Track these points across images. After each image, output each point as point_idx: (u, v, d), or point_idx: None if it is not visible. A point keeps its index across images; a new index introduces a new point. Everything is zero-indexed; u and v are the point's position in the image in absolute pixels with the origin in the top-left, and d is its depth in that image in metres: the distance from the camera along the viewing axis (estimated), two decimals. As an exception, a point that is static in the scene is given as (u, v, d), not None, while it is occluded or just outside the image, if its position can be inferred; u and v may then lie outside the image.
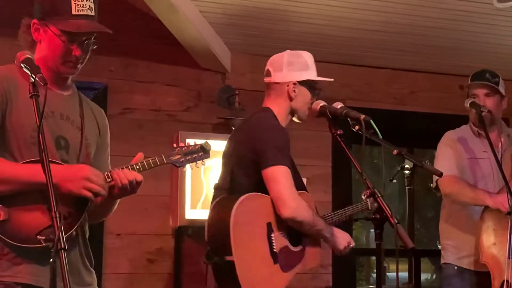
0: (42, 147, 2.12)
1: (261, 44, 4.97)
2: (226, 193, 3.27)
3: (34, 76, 2.20)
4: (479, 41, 4.86)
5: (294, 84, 3.38)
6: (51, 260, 2.00)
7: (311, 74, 3.44)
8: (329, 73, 5.31)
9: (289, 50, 3.47)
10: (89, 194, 2.39)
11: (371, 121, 2.65)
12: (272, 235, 3.21)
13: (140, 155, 2.57)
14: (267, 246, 3.19)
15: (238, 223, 3.08)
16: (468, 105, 3.94)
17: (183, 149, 2.62)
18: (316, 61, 5.24)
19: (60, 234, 2.00)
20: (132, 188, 2.51)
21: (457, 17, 4.40)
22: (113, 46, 4.64)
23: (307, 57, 3.47)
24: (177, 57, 4.84)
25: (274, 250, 3.20)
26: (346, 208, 3.64)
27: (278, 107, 3.39)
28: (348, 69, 5.42)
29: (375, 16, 4.41)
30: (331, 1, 4.18)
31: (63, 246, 1.99)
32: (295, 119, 3.46)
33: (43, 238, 2.13)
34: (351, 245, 3.47)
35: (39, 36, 2.50)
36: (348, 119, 2.75)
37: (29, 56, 2.29)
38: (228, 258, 3.05)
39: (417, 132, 5.41)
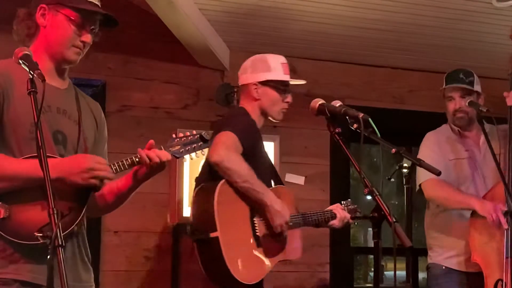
0: (40, 144, 2.11)
1: (260, 41, 4.96)
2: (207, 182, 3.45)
3: (32, 73, 2.19)
4: (479, 40, 4.86)
5: (255, 84, 3.60)
6: (48, 257, 2.00)
7: (274, 75, 3.62)
8: (329, 72, 5.37)
9: (257, 55, 3.73)
10: (97, 183, 2.40)
11: (370, 119, 2.64)
12: (255, 219, 3.40)
13: (152, 141, 2.56)
14: (250, 228, 3.38)
15: (221, 201, 3.26)
16: (467, 104, 3.95)
17: (182, 139, 2.58)
18: (315, 59, 5.30)
19: (58, 231, 1.99)
20: (160, 166, 2.52)
21: (456, 16, 4.40)
22: (111, 44, 4.63)
23: (272, 59, 3.67)
24: (176, 55, 4.83)
25: (257, 234, 3.38)
26: (311, 213, 3.69)
27: (249, 107, 3.62)
28: (347, 67, 5.43)
29: (375, 15, 4.41)
30: (330, 0, 4.17)
31: (60, 243, 1.98)
32: (270, 118, 3.67)
33: (40, 235, 2.12)
34: (288, 226, 3.46)
35: (45, 21, 2.51)
36: (347, 117, 2.74)
37: (27, 52, 2.28)
38: (212, 234, 3.20)
39: (416, 131, 5.37)
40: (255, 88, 3.61)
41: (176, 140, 2.59)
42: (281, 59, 3.70)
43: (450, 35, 4.77)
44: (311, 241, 5.05)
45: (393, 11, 4.33)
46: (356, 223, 3.96)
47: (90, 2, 2.53)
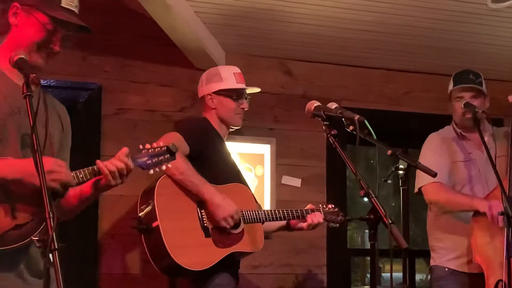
0: (36, 148, 2.11)
1: (256, 44, 4.97)
2: None
3: (28, 77, 2.19)
4: (474, 42, 4.86)
5: (210, 95, 3.86)
6: (44, 261, 1.99)
7: (225, 84, 3.86)
8: (324, 73, 5.38)
9: (212, 68, 4.04)
10: (57, 186, 2.31)
11: (366, 121, 2.65)
12: (203, 211, 3.51)
13: (125, 149, 2.53)
14: (197, 219, 3.49)
15: (162, 193, 3.43)
16: (462, 105, 3.96)
17: (150, 151, 2.58)
18: (310, 61, 5.31)
19: (53, 234, 1.99)
20: (121, 177, 2.48)
21: (451, 18, 4.41)
22: (107, 47, 4.63)
23: (224, 70, 3.97)
24: (172, 58, 4.83)
25: (205, 225, 3.49)
26: (280, 210, 3.83)
27: (209, 117, 3.85)
28: (343, 69, 5.43)
29: (370, 17, 4.41)
30: (326, 2, 4.18)
31: (56, 247, 1.98)
32: (230, 125, 3.88)
33: (36, 239, 2.11)
34: (234, 219, 3.54)
35: (17, 21, 2.47)
36: (343, 119, 2.75)
37: (22, 56, 2.28)
38: (154, 224, 3.36)
39: (412, 133, 5.41)
40: (210, 98, 3.86)
41: (143, 152, 2.58)
42: (234, 69, 3.97)
43: (446, 37, 4.77)
44: (308, 243, 5.06)
45: (388, 12, 4.34)
46: (331, 225, 4.03)
47: (65, 8, 2.47)
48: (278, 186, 5.09)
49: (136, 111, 4.81)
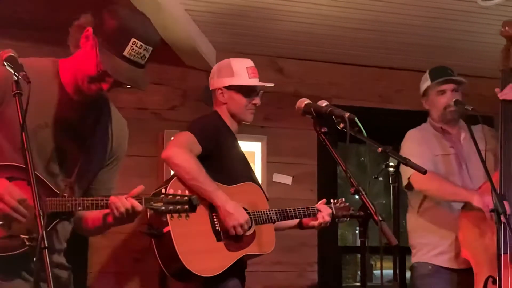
0: (26, 146, 2.10)
1: (247, 42, 4.96)
2: None
3: (17, 75, 2.18)
4: (464, 39, 4.87)
5: (221, 89, 3.76)
6: (34, 259, 2.00)
7: (237, 80, 3.74)
8: (316, 71, 5.38)
9: (224, 59, 3.86)
10: None
11: (356, 119, 2.65)
12: (214, 214, 3.44)
13: (140, 188, 2.46)
14: (208, 223, 3.43)
15: None
16: (453, 103, 3.98)
17: (169, 197, 2.43)
18: (302, 59, 5.31)
19: (43, 233, 1.99)
20: (128, 216, 2.42)
21: (442, 16, 4.42)
22: (98, 45, 4.62)
23: (236, 64, 3.80)
24: (163, 56, 4.79)
25: (217, 228, 3.44)
26: (291, 209, 3.75)
27: (220, 110, 3.77)
28: (334, 67, 5.43)
29: (362, 15, 4.42)
30: (318, 0, 4.18)
31: (46, 245, 1.97)
32: (241, 120, 3.79)
33: (27, 237, 2.10)
34: (243, 229, 3.47)
35: (85, 45, 2.42)
36: (333, 117, 2.75)
37: (12, 54, 2.26)
38: (165, 229, 3.28)
39: (403, 130, 5.42)
40: (221, 93, 3.76)
41: (161, 196, 2.44)
42: (247, 63, 3.83)
43: (436, 34, 4.78)
44: (299, 241, 5.07)
45: (379, 10, 4.34)
46: (347, 219, 3.94)
47: (129, 59, 2.38)
48: (269, 184, 5.09)
49: (127, 109, 4.77)
